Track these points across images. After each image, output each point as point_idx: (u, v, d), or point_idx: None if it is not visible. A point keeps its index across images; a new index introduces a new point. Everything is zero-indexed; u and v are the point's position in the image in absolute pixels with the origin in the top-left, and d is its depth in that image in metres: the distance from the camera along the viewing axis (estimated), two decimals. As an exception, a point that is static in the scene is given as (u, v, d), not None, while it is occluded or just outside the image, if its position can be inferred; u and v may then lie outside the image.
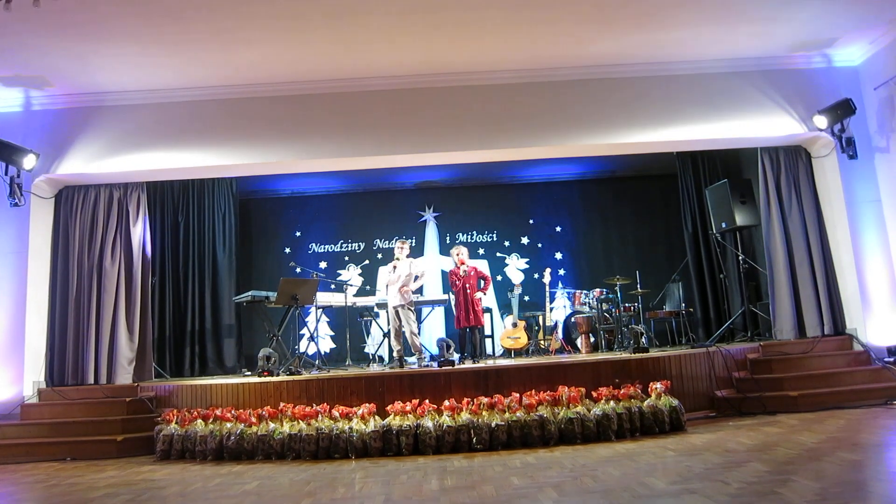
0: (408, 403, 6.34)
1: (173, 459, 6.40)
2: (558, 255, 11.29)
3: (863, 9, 7.04)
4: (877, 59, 7.87)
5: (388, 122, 8.02)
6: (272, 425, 6.29)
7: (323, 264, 11.14)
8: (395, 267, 8.24)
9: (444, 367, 7.02)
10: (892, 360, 7.28)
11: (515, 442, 6.03)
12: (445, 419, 6.14)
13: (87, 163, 7.93)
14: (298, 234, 11.35)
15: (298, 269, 9.76)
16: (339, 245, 11.35)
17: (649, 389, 6.50)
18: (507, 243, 11.36)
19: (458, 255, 8.58)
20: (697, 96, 8.08)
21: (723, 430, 6.14)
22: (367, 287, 10.60)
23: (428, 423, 6.10)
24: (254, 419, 6.39)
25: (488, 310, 9.86)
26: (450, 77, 8.01)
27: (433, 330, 10.68)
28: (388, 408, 6.33)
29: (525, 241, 11.36)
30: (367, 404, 6.42)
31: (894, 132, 7.71)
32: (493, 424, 6.06)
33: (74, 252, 8.01)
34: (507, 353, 9.59)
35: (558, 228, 11.42)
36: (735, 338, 8.93)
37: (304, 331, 8.87)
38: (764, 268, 8.50)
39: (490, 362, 7.84)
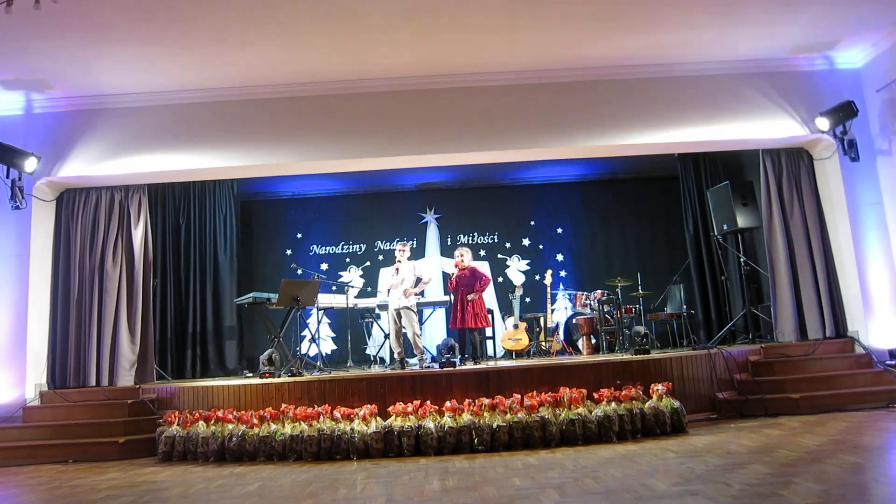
0: (409, 405, 6.34)
1: (175, 461, 6.40)
2: (559, 257, 11.30)
3: (865, 11, 7.04)
4: (879, 62, 7.87)
5: (390, 124, 8.03)
6: (274, 426, 6.29)
7: (324, 266, 11.15)
8: (397, 269, 8.24)
9: (445, 369, 7.02)
10: (893, 362, 7.26)
11: (517, 443, 6.03)
12: (447, 420, 6.14)
13: (88, 165, 7.94)
14: (299, 235, 11.36)
15: (300, 271, 9.76)
16: (340, 247, 11.36)
17: (651, 391, 6.50)
18: (508, 245, 11.36)
19: (461, 255, 8.57)
20: (699, 98, 8.08)
21: (724, 432, 6.13)
22: (369, 289, 10.61)
23: (429, 424, 6.10)
24: (255, 420, 6.39)
25: (489, 311, 9.86)
26: (451, 78, 8.02)
27: (434, 331, 10.68)
28: (390, 409, 6.34)
29: (526, 242, 11.36)
30: (368, 405, 6.42)
31: (896, 134, 7.73)
32: (494, 425, 6.06)
33: (76, 254, 8.01)
34: (509, 354, 9.59)
35: (559, 230, 11.42)
36: (736, 340, 8.92)
37: (306, 332, 8.88)
38: (765, 270, 8.49)
39: (491, 364, 7.84)
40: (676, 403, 6.38)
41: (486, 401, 6.31)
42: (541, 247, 11.36)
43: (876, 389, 7.02)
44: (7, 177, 7.46)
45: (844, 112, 7.60)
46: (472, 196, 11.50)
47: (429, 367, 7.74)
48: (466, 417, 6.16)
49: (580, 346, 9.61)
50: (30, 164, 7.51)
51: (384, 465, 5.67)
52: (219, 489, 5.05)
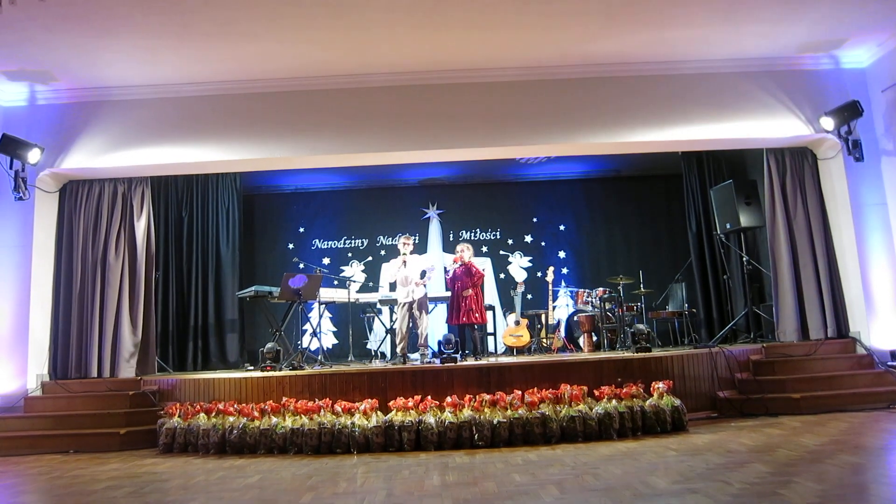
0: (410, 399, 6.35)
1: (176, 453, 6.42)
2: (561, 254, 11.29)
3: (871, 11, 7.02)
4: (885, 62, 7.84)
5: (393, 119, 8.02)
6: (274, 420, 6.31)
7: (326, 260, 11.15)
8: (405, 262, 8.23)
9: (446, 364, 7.03)
10: (894, 363, 7.26)
11: (517, 439, 6.04)
12: (447, 415, 6.15)
13: (91, 157, 7.95)
14: (302, 229, 11.36)
15: (302, 265, 9.77)
16: (342, 241, 11.36)
17: (651, 389, 6.51)
18: (510, 241, 11.35)
19: (461, 251, 8.57)
20: (703, 96, 8.06)
21: (725, 431, 6.14)
22: (370, 283, 10.60)
23: (430, 419, 6.11)
24: (256, 413, 6.41)
25: (490, 307, 9.87)
26: (455, 74, 8.01)
27: (435, 327, 10.68)
28: (391, 403, 6.34)
29: (528, 239, 11.35)
30: (369, 400, 6.43)
31: (901, 135, 7.71)
32: (495, 421, 6.07)
33: (78, 246, 8.02)
34: (510, 350, 9.60)
35: (562, 227, 11.41)
36: (738, 339, 8.92)
37: (307, 326, 8.88)
38: (768, 269, 8.48)
39: (492, 360, 7.84)
40: (677, 402, 6.38)
41: (487, 397, 6.32)
42: (543, 243, 11.35)
43: (877, 390, 7.02)
44: (10, 168, 7.47)
45: (849, 112, 7.57)
46: (475, 192, 11.49)
47: (430, 362, 7.75)
48: (467, 413, 6.16)
49: (581, 344, 9.61)
50: (33, 156, 7.51)
51: (384, 460, 5.68)
52: (219, 481, 5.07)
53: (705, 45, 7.70)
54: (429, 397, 6.40)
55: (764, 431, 5.97)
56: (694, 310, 9.79)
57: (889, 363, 7.31)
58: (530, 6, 6.66)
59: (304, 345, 8.54)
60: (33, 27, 6.53)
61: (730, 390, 7.22)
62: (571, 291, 10.51)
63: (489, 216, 11.43)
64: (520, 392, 6.41)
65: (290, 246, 11.24)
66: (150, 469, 5.68)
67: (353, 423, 6.14)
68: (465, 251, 8.57)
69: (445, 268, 8.99)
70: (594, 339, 9.50)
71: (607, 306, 9.56)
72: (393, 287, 8.76)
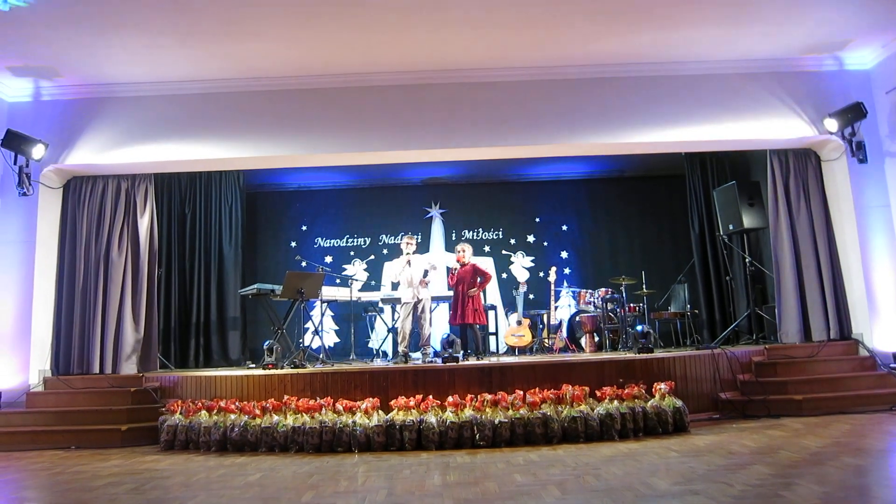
0: (411, 399, 6.34)
1: (177, 450, 6.42)
2: (564, 254, 11.28)
3: (876, 12, 7.00)
4: (889, 63, 7.83)
5: (397, 118, 8.03)
6: (276, 418, 6.31)
7: (328, 259, 11.16)
8: (409, 262, 8.24)
9: (448, 364, 7.03)
10: (897, 365, 7.26)
11: (518, 439, 6.03)
12: (449, 415, 6.14)
13: (95, 154, 7.96)
14: (304, 228, 11.36)
15: (304, 263, 9.78)
16: (344, 240, 11.37)
17: (653, 390, 6.50)
18: (512, 241, 11.35)
19: (462, 251, 8.58)
20: (707, 97, 8.05)
21: (726, 432, 6.12)
22: (373, 282, 10.61)
23: (431, 418, 6.11)
24: (258, 411, 6.41)
25: (492, 307, 9.88)
26: (458, 73, 8.01)
27: (437, 326, 10.67)
28: (392, 403, 6.34)
29: (531, 239, 11.35)
30: (370, 399, 6.43)
31: (905, 137, 7.70)
32: (496, 421, 6.06)
33: (82, 242, 8.04)
34: (511, 350, 9.60)
35: (564, 227, 11.40)
36: (740, 340, 8.91)
37: (309, 324, 8.88)
38: (770, 271, 8.47)
39: (494, 359, 7.84)
40: (679, 403, 6.38)
41: (489, 396, 6.31)
42: (545, 244, 11.34)
43: (879, 392, 7.01)
44: (15, 163, 7.48)
45: (853, 113, 7.56)
46: (478, 191, 11.49)
47: (432, 361, 7.75)
48: (468, 413, 6.16)
49: (583, 344, 9.60)
50: (37, 151, 7.53)
51: (385, 459, 5.67)
52: (220, 479, 5.07)
53: (709, 46, 7.69)
54: (430, 397, 6.39)
55: (766, 433, 5.96)
56: (696, 311, 9.78)
57: (892, 365, 7.30)
58: (535, 6, 6.65)
59: (306, 343, 8.54)
60: (38, 23, 6.53)
61: (732, 391, 7.21)
62: (574, 292, 10.51)
63: (492, 216, 11.43)
64: (521, 392, 6.40)
65: (293, 244, 11.25)
66: (151, 466, 5.68)
67: (354, 422, 6.14)
68: (464, 251, 8.58)
69: (448, 267, 9.03)
70: (596, 339, 9.49)
71: (609, 307, 9.55)
72: (395, 286, 8.76)
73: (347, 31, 6.99)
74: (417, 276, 8.20)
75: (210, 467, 5.53)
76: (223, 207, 10.29)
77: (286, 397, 6.55)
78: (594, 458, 5.28)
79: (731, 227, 8.71)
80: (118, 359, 7.86)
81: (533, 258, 11.25)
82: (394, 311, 9.43)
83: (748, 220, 8.46)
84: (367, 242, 11.34)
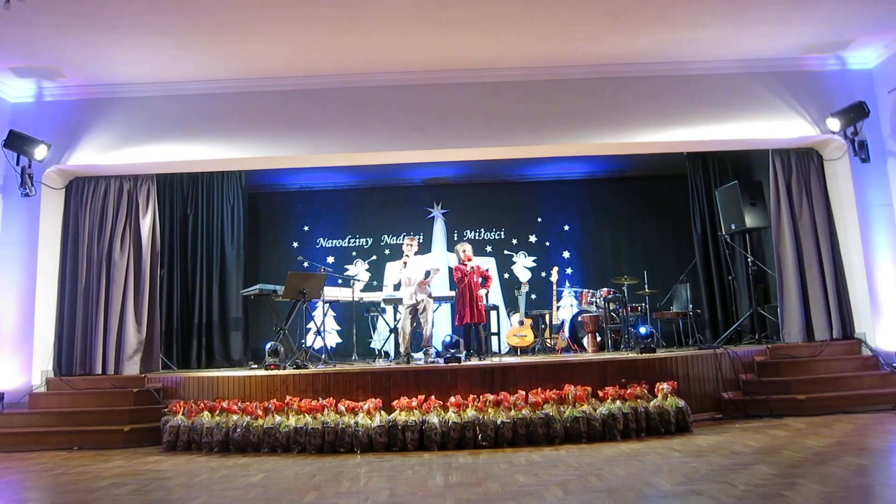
0: (413, 399, 6.35)
1: (179, 450, 6.43)
2: (566, 254, 11.27)
3: (878, 11, 6.99)
4: (892, 62, 7.81)
5: (398, 118, 8.03)
6: (278, 418, 6.31)
7: (330, 259, 11.16)
8: (405, 264, 8.25)
9: (450, 364, 7.03)
10: (900, 365, 7.25)
11: (521, 440, 6.03)
12: (451, 416, 6.14)
13: (97, 154, 7.97)
14: (306, 228, 11.36)
15: (306, 264, 9.77)
16: (346, 240, 11.36)
17: (655, 390, 6.50)
18: (514, 241, 11.34)
19: (463, 251, 8.58)
20: (709, 97, 8.04)
21: (729, 432, 6.12)
22: (375, 283, 10.61)
23: (433, 419, 6.11)
24: (260, 412, 6.41)
25: (494, 307, 9.88)
26: (461, 73, 8.01)
27: (439, 326, 10.67)
28: (394, 403, 6.34)
29: (533, 239, 11.34)
30: (372, 399, 6.43)
31: (907, 136, 7.69)
32: (498, 422, 6.06)
33: (84, 243, 8.04)
34: (514, 350, 9.59)
35: (566, 227, 11.39)
36: (742, 340, 8.90)
37: (311, 325, 8.88)
38: (773, 270, 8.46)
39: (496, 360, 7.84)
40: (681, 403, 6.37)
41: (491, 397, 6.32)
42: (547, 244, 11.34)
43: (882, 392, 7.01)
44: (17, 164, 7.49)
45: (856, 113, 7.55)
46: (480, 192, 11.48)
47: (434, 362, 7.75)
48: (470, 413, 6.16)
49: (585, 344, 9.59)
50: (40, 152, 7.53)
51: (388, 459, 5.68)
52: (222, 479, 5.07)
53: (711, 46, 7.68)
54: (432, 397, 6.40)
55: (768, 433, 5.95)
56: (698, 310, 9.77)
57: (894, 364, 7.28)
58: (536, 6, 6.64)
59: (308, 343, 8.54)
60: (41, 24, 6.54)
61: (734, 391, 7.21)
62: (576, 292, 10.50)
63: (493, 216, 11.42)
64: (523, 392, 6.40)
65: (295, 244, 11.25)
66: (153, 467, 5.69)
67: (356, 423, 6.14)
68: (466, 250, 8.59)
69: (450, 267, 9.05)
70: (598, 339, 9.48)
71: (611, 307, 9.54)
72: (397, 287, 8.77)
73: (349, 31, 6.99)
74: (416, 277, 8.19)
75: (212, 468, 5.54)
76: (225, 208, 10.29)
77: (288, 398, 6.56)
78: (597, 458, 5.28)
79: (733, 226, 8.70)
80: (120, 359, 7.87)
81: (535, 258, 11.24)
82: (395, 311, 9.43)
83: (750, 220, 8.44)
84: (369, 243, 11.34)
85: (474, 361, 7.49)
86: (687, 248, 10.61)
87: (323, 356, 8.25)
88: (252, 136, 8.03)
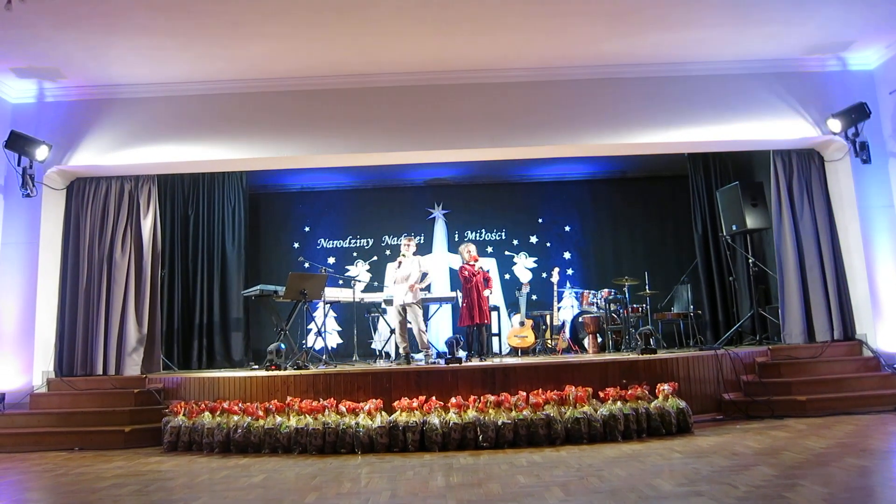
0: (414, 400, 6.35)
1: (180, 451, 6.44)
2: (567, 255, 11.27)
3: (879, 12, 6.99)
4: (893, 64, 7.81)
5: (400, 119, 8.03)
6: (279, 419, 6.31)
7: (331, 260, 11.16)
8: (400, 263, 8.27)
9: (451, 365, 7.02)
10: (901, 366, 7.24)
11: (521, 440, 6.03)
12: (452, 416, 6.14)
13: (98, 155, 7.98)
14: (307, 229, 11.36)
15: (307, 264, 9.77)
16: (347, 241, 11.36)
17: (656, 391, 6.49)
18: (515, 242, 11.33)
19: (468, 251, 8.59)
20: (710, 97, 8.04)
21: (730, 433, 6.12)
22: (375, 283, 10.61)
23: (434, 419, 6.10)
24: (261, 413, 6.41)
25: (495, 308, 9.88)
26: (462, 74, 8.01)
27: (440, 327, 10.68)
28: (395, 404, 6.34)
29: (534, 240, 11.33)
30: (373, 400, 6.43)
31: (909, 137, 7.68)
32: (499, 422, 6.06)
33: (85, 243, 8.05)
34: (514, 351, 9.59)
35: (567, 228, 11.39)
36: (743, 341, 8.89)
37: (312, 326, 8.89)
38: (774, 271, 8.46)
39: (497, 360, 7.83)
40: (682, 404, 6.37)
41: (492, 398, 6.31)
42: (548, 244, 11.33)
43: (883, 393, 7.00)
44: (18, 164, 7.50)
45: (857, 114, 7.55)
46: (481, 192, 11.48)
47: (434, 362, 7.75)
48: (471, 414, 6.16)
49: (586, 345, 9.59)
50: (41, 153, 7.54)
51: (388, 460, 5.68)
52: (223, 480, 5.07)
53: (712, 47, 7.69)
54: (433, 398, 6.40)
55: (769, 434, 5.95)
56: (699, 311, 9.76)
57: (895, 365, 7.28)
58: (538, 7, 6.65)
59: (309, 344, 8.54)
60: (42, 25, 6.55)
61: (735, 392, 7.20)
62: (576, 292, 10.50)
63: (494, 216, 11.42)
64: (524, 393, 6.40)
65: (296, 245, 11.25)
66: (154, 467, 5.69)
67: (357, 424, 6.14)
68: (471, 250, 8.60)
69: (451, 268, 9.05)
70: (599, 340, 9.48)
71: (612, 307, 9.54)
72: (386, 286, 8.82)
73: (351, 32, 6.99)
74: (413, 278, 8.20)
75: (213, 469, 5.54)
76: (226, 208, 10.29)
77: (289, 398, 6.56)
78: (597, 459, 5.28)
79: (734, 227, 8.70)
80: (121, 360, 7.87)
81: (536, 259, 11.24)
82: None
83: (751, 221, 8.44)
84: (370, 243, 11.33)
85: (475, 362, 7.49)
86: (688, 248, 10.60)
87: (324, 357, 8.26)
88: (253, 136, 8.03)
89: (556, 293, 10.04)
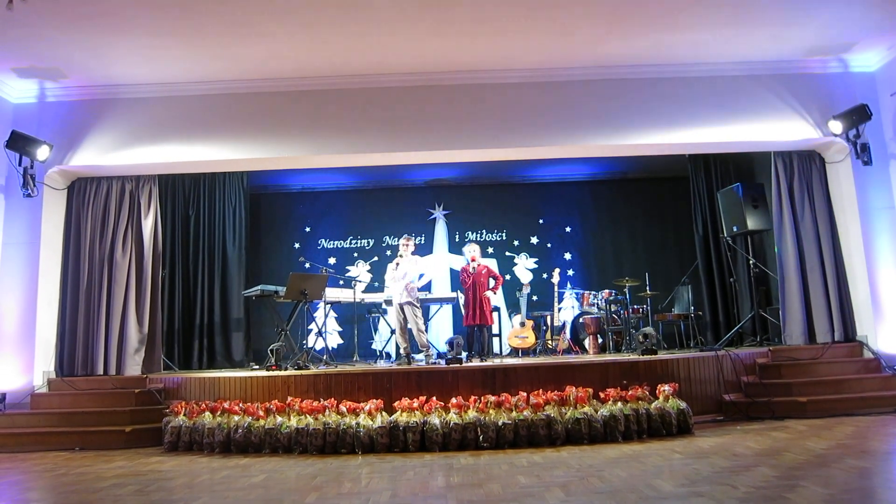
0: (415, 400, 6.35)
1: (181, 451, 6.44)
2: (567, 256, 11.27)
3: (881, 14, 6.99)
4: (894, 65, 7.82)
5: (400, 119, 8.03)
6: (279, 419, 6.31)
7: (332, 260, 11.16)
8: (397, 264, 8.29)
9: (451, 365, 7.02)
10: (902, 367, 7.24)
11: (522, 441, 6.03)
12: (452, 417, 6.14)
13: (99, 155, 7.98)
14: (308, 229, 11.37)
15: (308, 265, 9.78)
16: (348, 241, 11.37)
17: (657, 391, 6.49)
18: (516, 242, 11.34)
19: (473, 252, 8.61)
20: (711, 99, 8.04)
21: (730, 434, 6.11)
22: (376, 283, 10.62)
23: (435, 420, 6.10)
24: (261, 413, 6.41)
25: (496, 308, 9.88)
26: (463, 75, 8.02)
27: (441, 327, 10.68)
28: (396, 404, 6.34)
29: (534, 240, 11.34)
30: (374, 400, 6.43)
31: (910, 138, 7.68)
32: (499, 423, 6.06)
33: (86, 243, 8.06)
34: (515, 352, 9.59)
35: (568, 229, 11.39)
36: (744, 342, 8.90)
37: (313, 326, 8.89)
38: (774, 272, 8.46)
39: (498, 361, 7.83)
40: (683, 404, 6.37)
41: (492, 398, 6.31)
42: (549, 245, 11.33)
43: (884, 394, 7.00)
44: (19, 164, 7.50)
45: (858, 115, 7.55)
46: (481, 193, 11.49)
47: (435, 363, 7.75)
48: (472, 414, 6.16)
49: (587, 346, 9.59)
50: (42, 153, 7.55)
51: (389, 460, 5.67)
52: (224, 480, 5.07)
53: (713, 48, 7.69)
54: (434, 398, 6.40)
55: (770, 435, 5.94)
56: (700, 312, 9.76)
57: (896, 367, 7.29)
58: (538, 8, 6.65)
59: (310, 344, 8.54)
60: (44, 25, 6.55)
61: (736, 393, 7.20)
62: (577, 293, 10.50)
63: (495, 217, 11.43)
64: (525, 394, 6.40)
65: (297, 245, 11.26)
66: (155, 467, 5.69)
67: (357, 424, 6.14)
68: (473, 251, 8.61)
69: (452, 269, 9.05)
70: (600, 341, 9.49)
71: (613, 308, 9.54)
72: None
73: (352, 32, 7.00)
74: (409, 278, 8.21)
75: (214, 469, 5.54)
76: (227, 209, 10.29)
77: (290, 399, 6.56)
78: (598, 459, 5.28)
79: (734, 228, 8.70)
80: (122, 360, 7.88)
81: (536, 260, 11.24)
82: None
83: (752, 222, 8.45)
84: (371, 244, 11.34)
85: (476, 363, 7.49)
86: (688, 249, 10.60)
87: (324, 357, 8.26)
88: (254, 136, 8.04)
89: (556, 294, 10.05)
